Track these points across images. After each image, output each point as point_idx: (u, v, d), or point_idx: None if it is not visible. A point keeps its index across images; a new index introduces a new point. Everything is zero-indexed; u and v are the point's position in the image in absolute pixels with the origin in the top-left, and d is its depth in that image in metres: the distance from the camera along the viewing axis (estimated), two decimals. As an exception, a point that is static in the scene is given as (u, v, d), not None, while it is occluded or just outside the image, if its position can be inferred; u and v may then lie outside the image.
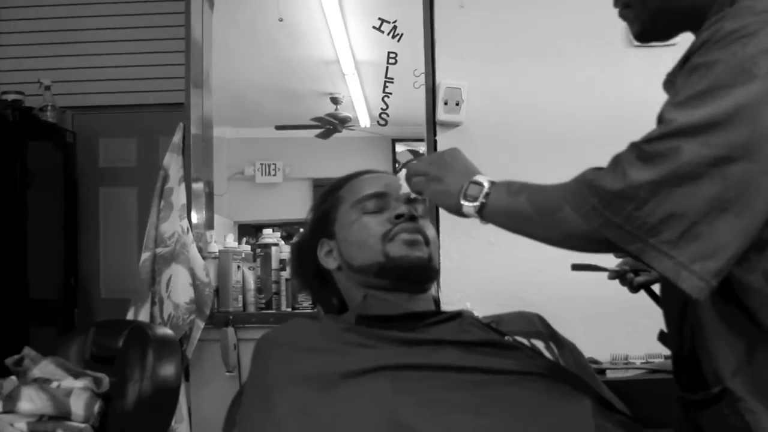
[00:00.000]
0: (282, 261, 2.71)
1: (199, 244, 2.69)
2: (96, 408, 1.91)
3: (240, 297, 2.68)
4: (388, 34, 2.86)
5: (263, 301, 2.70)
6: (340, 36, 4.43)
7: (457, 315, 1.25)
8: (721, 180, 0.80)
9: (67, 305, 3.56)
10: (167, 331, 2.24)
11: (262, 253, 2.74)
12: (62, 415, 1.87)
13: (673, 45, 1.08)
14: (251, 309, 2.69)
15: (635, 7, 1.02)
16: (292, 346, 1.16)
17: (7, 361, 2.06)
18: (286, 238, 2.96)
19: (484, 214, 1.04)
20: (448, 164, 1.13)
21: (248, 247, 2.85)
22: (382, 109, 3.01)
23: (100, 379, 1.97)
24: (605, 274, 1.35)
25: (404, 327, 1.18)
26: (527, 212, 0.97)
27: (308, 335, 1.19)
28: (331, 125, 5.59)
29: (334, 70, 5.06)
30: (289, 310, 2.69)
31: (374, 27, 2.88)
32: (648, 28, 1.03)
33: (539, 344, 1.30)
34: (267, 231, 2.86)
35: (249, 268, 2.72)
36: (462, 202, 1.05)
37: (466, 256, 2.42)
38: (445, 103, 2.45)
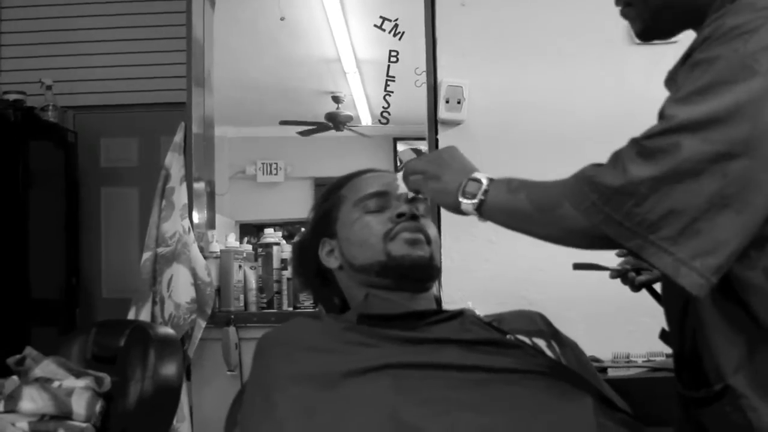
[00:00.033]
0: (283, 260, 2.71)
1: (201, 244, 2.69)
2: (97, 407, 1.91)
3: (241, 296, 2.67)
4: (390, 32, 2.86)
5: (265, 300, 2.69)
6: (341, 34, 4.42)
7: (459, 314, 1.25)
8: (721, 176, 0.80)
9: (69, 305, 3.57)
10: (168, 330, 2.23)
11: (263, 253, 2.73)
12: (64, 414, 1.86)
13: (675, 42, 1.07)
14: (253, 308, 2.69)
15: (637, 5, 1.01)
16: (294, 345, 1.16)
17: (9, 361, 2.05)
18: (288, 237, 2.96)
19: (482, 211, 1.03)
20: (445, 162, 1.13)
21: (250, 247, 2.84)
22: (383, 107, 3.01)
23: (101, 378, 1.97)
24: (607, 273, 1.34)
25: (406, 326, 1.18)
26: (526, 209, 0.97)
27: (310, 334, 1.19)
28: (327, 127, 5.60)
29: (336, 68, 5.06)
30: (291, 309, 2.68)
31: (375, 25, 2.88)
32: (650, 26, 1.02)
33: (541, 343, 1.30)
34: (268, 230, 2.85)
35: (250, 268, 2.72)
36: (460, 199, 1.05)
37: (467, 255, 2.42)
38: (447, 102, 2.44)
